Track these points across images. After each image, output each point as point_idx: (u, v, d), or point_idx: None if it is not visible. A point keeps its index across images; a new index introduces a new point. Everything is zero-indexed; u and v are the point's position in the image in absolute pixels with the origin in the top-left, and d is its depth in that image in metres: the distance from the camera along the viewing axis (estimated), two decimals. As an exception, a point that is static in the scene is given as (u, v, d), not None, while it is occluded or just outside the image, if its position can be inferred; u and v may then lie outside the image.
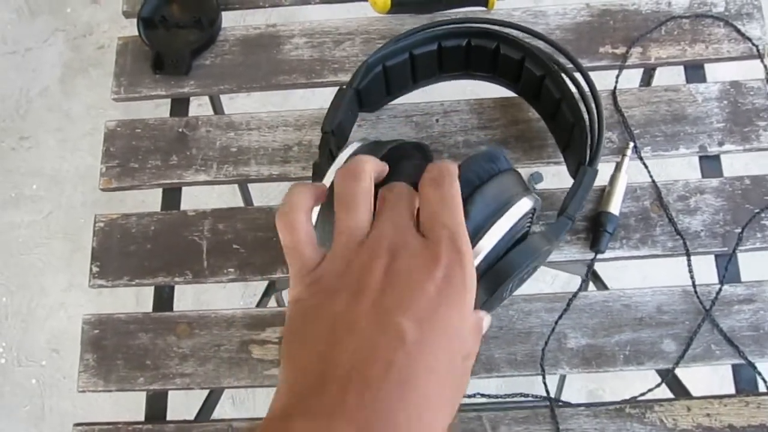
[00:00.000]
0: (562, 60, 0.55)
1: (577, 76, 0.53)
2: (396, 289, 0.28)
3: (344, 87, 0.52)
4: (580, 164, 0.48)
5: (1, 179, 1.50)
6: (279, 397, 0.27)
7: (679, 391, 0.60)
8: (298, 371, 0.28)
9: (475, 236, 0.39)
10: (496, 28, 0.55)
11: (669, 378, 0.57)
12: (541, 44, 0.56)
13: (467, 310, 0.29)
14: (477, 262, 0.40)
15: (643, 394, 0.55)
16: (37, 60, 1.57)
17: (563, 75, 0.53)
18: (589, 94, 0.52)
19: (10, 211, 1.48)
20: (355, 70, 0.53)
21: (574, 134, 0.51)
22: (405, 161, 0.44)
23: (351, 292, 0.29)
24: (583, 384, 1.15)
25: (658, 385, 0.57)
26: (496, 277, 0.41)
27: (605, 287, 0.84)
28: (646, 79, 0.71)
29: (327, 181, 0.43)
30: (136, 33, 0.65)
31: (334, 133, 0.50)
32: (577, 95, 0.52)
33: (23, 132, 1.53)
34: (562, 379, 1.03)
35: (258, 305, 0.98)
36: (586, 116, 0.51)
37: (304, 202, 0.32)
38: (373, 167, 0.33)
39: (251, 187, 0.86)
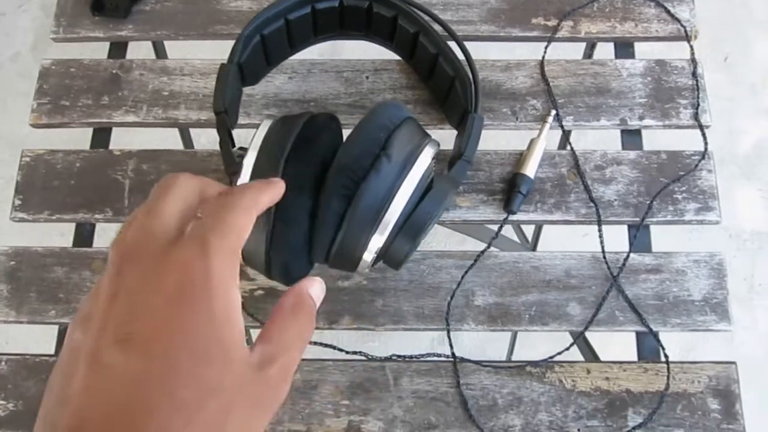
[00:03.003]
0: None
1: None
2: (118, 310, 0.24)
3: (225, 63, 0.51)
4: (465, 112, 0.50)
5: (-35, 140, 1.49)
6: None
7: (588, 353, 0.61)
8: (39, 418, 0.24)
9: (396, 180, 0.42)
10: None
11: (579, 340, 0.58)
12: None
13: (220, 318, 0.24)
14: (399, 209, 0.42)
15: (552, 357, 0.56)
16: (11, 25, 1.57)
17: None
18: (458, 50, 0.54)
19: (-29, 172, 1.48)
20: (233, 45, 0.52)
21: (455, 86, 0.53)
22: (321, 135, 0.45)
23: (82, 321, 0.25)
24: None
25: (568, 348, 0.58)
26: (416, 224, 0.43)
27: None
28: (588, 53, 0.73)
29: (244, 174, 0.44)
30: (81, -24, 0.65)
31: (227, 112, 0.49)
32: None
33: (-9, 94, 1.52)
34: (514, 336, 1.04)
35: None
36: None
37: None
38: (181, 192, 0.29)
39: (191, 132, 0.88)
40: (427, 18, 0.54)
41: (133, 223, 0.26)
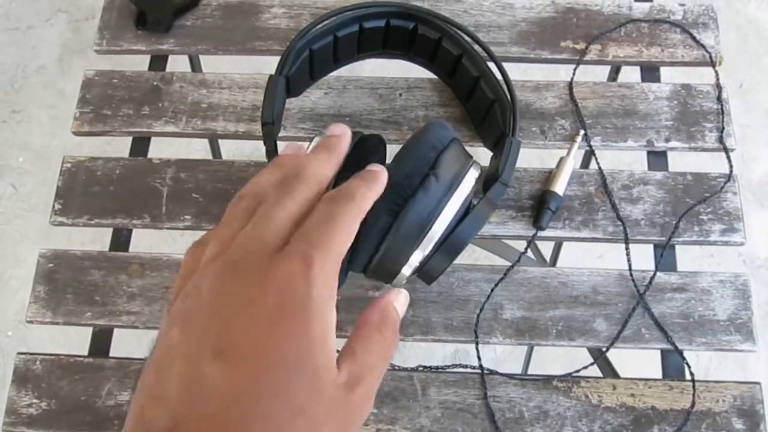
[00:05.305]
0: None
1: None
2: (219, 319, 0.24)
3: (273, 75, 0.52)
4: (502, 135, 0.52)
5: (-11, 149, 1.52)
6: None
7: (607, 370, 0.62)
8: (132, 410, 0.25)
9: (442, 200, 0.43)
10: (415, 9, 0.56)
11: (600, 357, 0.59)
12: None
13: (316, 341, 0.24)
14: (442, 228, 0.43)
15: (578, 371, 0.56)
16: (38, 38, 1.61)
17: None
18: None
19: (-6, 181, 1.50)
20: (282, 56, 0.52)
21: (494, 110, 0.54)
22: (370, 157, 0.46)
23: (181, 320, 0.25)
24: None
25: (593, 363, 0.58)
26: (455, 244, 0.44)
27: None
28: (612, 76, 0.75)
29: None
30: (125, -9, 0.68)
31: (273, 123, 0.50)
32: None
33: (16, 106, 1.55)
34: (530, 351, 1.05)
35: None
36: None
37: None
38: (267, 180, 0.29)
39: (221, 146, 0.89)
40: (469, 40, 0.56)
41: (246, 228, 0.26)
